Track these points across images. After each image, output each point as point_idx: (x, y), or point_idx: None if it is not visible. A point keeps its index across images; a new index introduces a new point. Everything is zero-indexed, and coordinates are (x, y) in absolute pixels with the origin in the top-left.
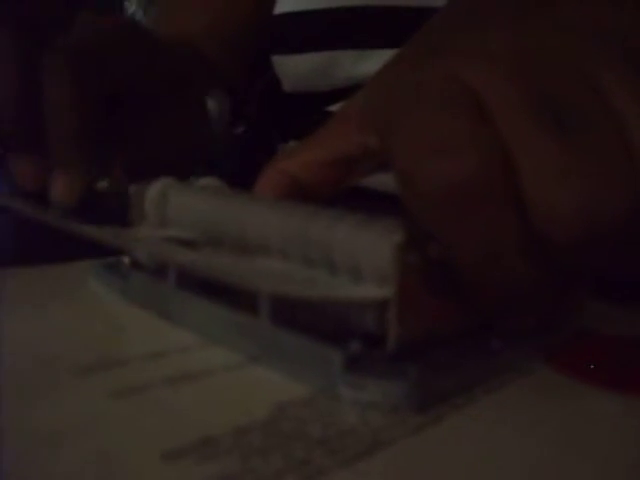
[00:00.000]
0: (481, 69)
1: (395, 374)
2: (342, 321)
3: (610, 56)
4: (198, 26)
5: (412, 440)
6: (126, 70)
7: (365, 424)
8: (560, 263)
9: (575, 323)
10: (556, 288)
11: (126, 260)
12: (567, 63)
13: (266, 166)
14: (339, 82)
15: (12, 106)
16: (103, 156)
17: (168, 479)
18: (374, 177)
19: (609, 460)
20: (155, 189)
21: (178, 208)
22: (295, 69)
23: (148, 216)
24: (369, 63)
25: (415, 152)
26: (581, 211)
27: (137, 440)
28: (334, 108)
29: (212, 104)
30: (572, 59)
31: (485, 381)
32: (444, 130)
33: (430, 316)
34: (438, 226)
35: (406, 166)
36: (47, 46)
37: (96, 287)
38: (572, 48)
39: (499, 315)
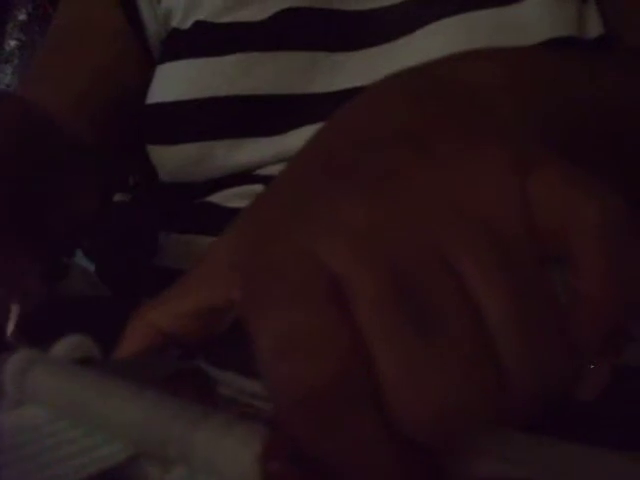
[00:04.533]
0: (337, 250)
1: None
2: None
3: (466, 234)
4: (65, 101)
5: None
6: None
7: None
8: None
9: None
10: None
11: None
12: (425, 247)
13: (133, 317)
14: (214, 172)
15: None
16: None
17: None
18: None
19: None
20: (14, 364)
21: (39, 387)
22: (169, 160)
23: (6, 393)
24: (243, 153)
25: (272, 348)
26: (439, 416)
27: None
28: (213, 199)
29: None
30: (432, 241)
31: None
32: (300, 327)
33: None
34: (298, 430)
35: (264, 363)
36: None
37: None
38: (430, 229)
39: None
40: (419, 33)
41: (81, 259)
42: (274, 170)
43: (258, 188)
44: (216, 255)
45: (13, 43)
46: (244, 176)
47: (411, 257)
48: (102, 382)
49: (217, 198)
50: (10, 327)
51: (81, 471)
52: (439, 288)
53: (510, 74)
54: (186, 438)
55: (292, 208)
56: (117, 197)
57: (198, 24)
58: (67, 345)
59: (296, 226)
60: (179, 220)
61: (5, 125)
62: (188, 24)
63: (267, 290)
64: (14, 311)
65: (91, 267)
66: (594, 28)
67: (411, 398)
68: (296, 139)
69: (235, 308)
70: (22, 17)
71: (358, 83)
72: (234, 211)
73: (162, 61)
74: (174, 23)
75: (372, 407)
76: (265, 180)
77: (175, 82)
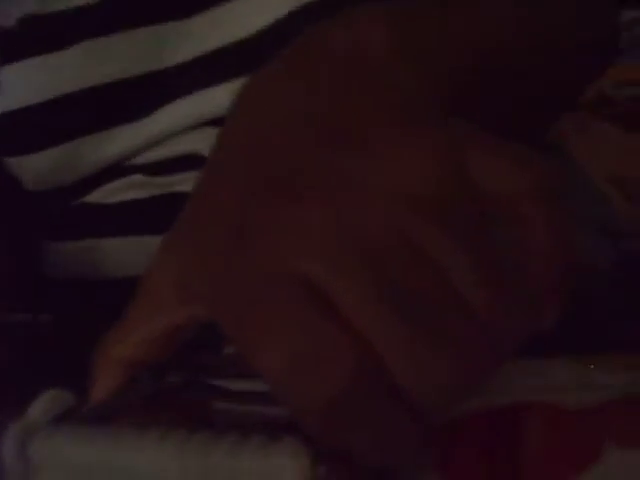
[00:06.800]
0: (310, 262)
1: None
2: None
3: (421, 213)
4: None
5: None
6: None
7: None
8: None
9: None
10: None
11: None
12: (387, 233)
13: (96, 356)
14: (87, 170)
15: None
16: None
17: None
18: None
19: None
20: (12, 438)
21: (48, 456)
22: (33, 169)
23: (8, 470)
24: (112, 144)
25: (283, 375)
26: (445, 391)
27: None
28: (92, 198)
29: None
30: (391, 226)
31: None
32: (304, 349)
33: None
34: (330, 436)
35: (277, 387)
36: None
37: None
38: (386, 215)
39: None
40: None
41: None
42: (150, 157)
43: (138, 178)
44: (158, 278)
45: None
46: (120, 168)
47: (377, 248)
48: (119, 435)
49: (96, 196)
50: None
51: None
52: (409, 267)
53: (396, 37)
54: (229, 461)
55: (240, 227)
56: None
57: (24, 19)
58: (44, 404)
59: (257, 247)
60: (59, 227)
61: None
62: (12, 21)
63: (256, 320)
64: None
65: None
66: None
67: (417, 377)
68: (164, 118)
69: (197, 323)
70: None
71: (207, 47)
72: (118, 206)
73: None
74: None
75: (389, 394)
76: (143, 169)
77: (18, 87)
